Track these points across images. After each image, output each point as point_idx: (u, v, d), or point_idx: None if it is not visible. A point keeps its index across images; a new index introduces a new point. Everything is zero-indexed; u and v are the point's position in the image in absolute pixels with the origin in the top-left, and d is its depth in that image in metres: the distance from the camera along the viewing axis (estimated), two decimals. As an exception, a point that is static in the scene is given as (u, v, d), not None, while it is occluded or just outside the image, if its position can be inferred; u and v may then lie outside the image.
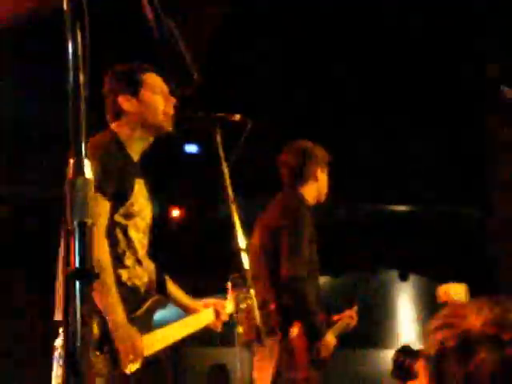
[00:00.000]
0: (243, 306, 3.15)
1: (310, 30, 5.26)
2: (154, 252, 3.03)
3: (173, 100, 3.01)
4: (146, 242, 2.96)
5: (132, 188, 2.87)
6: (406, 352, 4.90)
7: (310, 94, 5.59)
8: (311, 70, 5.46)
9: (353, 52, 5.47)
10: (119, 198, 2.81)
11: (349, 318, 4.35)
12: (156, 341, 2.84)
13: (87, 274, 1.15)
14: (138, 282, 2.85)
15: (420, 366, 4.26)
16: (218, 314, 3.17)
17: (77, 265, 1.15)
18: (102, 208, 2.70)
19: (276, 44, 5.24)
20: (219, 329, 3.19)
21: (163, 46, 1.27)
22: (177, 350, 7.38)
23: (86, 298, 1.14)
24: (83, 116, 1.19)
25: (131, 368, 2.67)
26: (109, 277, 2.66)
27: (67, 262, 1.16)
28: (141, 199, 2.92)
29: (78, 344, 1.13)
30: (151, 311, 2.86)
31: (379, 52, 5.50)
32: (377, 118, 5.98)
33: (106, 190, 2.72)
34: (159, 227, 3.06)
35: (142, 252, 2.91)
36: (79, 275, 1.15)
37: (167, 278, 3.13)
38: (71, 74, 1.17)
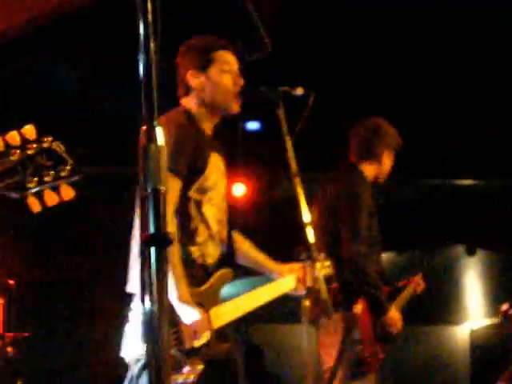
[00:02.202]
0: (321, 274, 3.14)
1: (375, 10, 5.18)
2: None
3: (241, 81, 3.01)
4: (221, 215, 2.95)
5: (206, 163, 2.87)
6: None
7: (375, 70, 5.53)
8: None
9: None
10: (192, 173, 2.82)
11: (414, 284, 4.32)
12: (225, 313, 2.85)
13: (162, 239, 1.17)
14: (209, 260, 2.87)
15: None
16: (300, 279, 3.16)
17: (151, 231, 1.17)
18: (172, 186, 2.72)
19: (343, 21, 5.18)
20: (302, 293, 3.17)
21: (236, 11, 1.28)
22: (242, 328, 7.48)
23: (161, 262, 1.15)
24: (154, 83, 1.20)
25: (197, 343, 2.69)
26: (173, 255, 2.67)
27: (143, 228, 1.18)
28: (215, 173, 2.92)
29: (155, 309, 1.15)
30: (218, 284, 2.87)
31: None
32: (443, 97, 5.89)
33: (178, 168, 2.74)
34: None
35: (215, 226, 2.93)
36: (154, 241, 1.16)
37: (248, 243, 3.13)
38: (142, 43, 1.18)
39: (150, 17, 1.20)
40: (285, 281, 3.15)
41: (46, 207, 1.70)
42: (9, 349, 3.87)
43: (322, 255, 3.20)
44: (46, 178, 1.70)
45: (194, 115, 2.96)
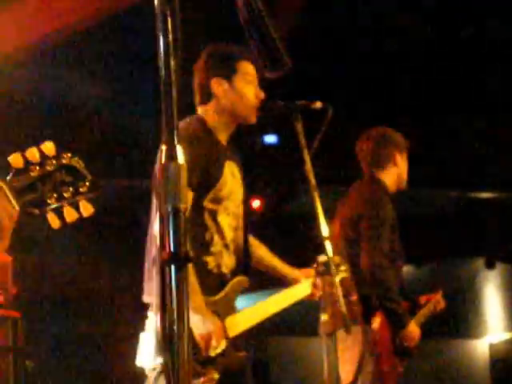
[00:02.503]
0: (337, 279, 3.13)
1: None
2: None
3: (262, 94, 3.01)
4: (236, 222, 2.95)
5: (220, 173, 2.87)
6: None
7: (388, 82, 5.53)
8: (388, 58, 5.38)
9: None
10: (206, 184, 2.82)
11: (435, 302, 4.28)
12: (241, 321, 2.84)
13: (182, 258, 1.17)
14: (224, 270, 2.87)
15: None
16: (315, 285, 3.15)
17: (171, 249, 1.17)
18: None
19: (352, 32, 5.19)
20: (317, 298, 3.16)
21: (254, 28, 1.28)
22: (260, 339, 7.46)
23: (182, 281, 1.15)
24: (175, 102, 1.20)
25: (213, 352, 2.69)
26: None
27: (162, 247, 1.18)
28: (230, 182, 2.92)
29: (175, 327, 1.15)
30: (233, 293, 2.87)
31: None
32: (459, 105, 5.87)
33: (190, 179, 2.73)
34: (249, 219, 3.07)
35: (230, 235, 2.93)
36: (174, 260, 1.16)
37: (263, 248, 3.13)
38: (162, 60, 1.18)
39: (170, 35, 1.21)
40: (300, 286, 3.14)
41: (65, 224, 1.71)
42: (28, 362, 3.89)
43: (338, 258, 3.18)
44: (66, 194, 1.71)
45: (210, 124, 2.95)
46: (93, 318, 6.34)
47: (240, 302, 2.95)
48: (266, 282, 3.20)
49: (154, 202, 2.76)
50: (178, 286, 1.17)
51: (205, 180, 2.81)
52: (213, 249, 2.84)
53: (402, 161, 4.18)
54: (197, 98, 3.02)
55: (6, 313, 3.94)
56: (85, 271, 6.36)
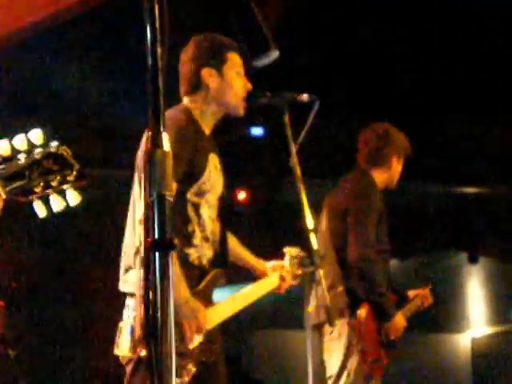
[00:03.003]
0: (298, 272, 3.17)
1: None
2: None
3: (249, 85, 3.01)
4: (214, 213, 2.94)
5: (204, 166, 2.87)
6: None
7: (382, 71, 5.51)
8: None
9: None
10: (191, 177, 2.82)
11: (422, 297, 4.31)
12: (217, 314, 2.85)
13: (166, 245, 1.17)
14: (204, 261, 2.87)
15: None
16: (283, 278, 3.18)
17: (156, 236, 1.17)
18: None
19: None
20: (283, 292, 3.19)
21: (241, 16, 1.27)
22: (243, 332, 7.47)
23: (166, 268, 1.15)
24: (161, 89, 1.20)
25: (191, 344, 2.69)
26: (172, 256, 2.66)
27: (146, 234, 1.18)
28: (213, 175, 2.92)
29: (158, 314, 1.15)
30: (212, 285, 2.87)
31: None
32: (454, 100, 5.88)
33: (176, 171, 2.72)
34: (225, 210, 3.06)
35: (210, 227, 2.93)
36: (159, 246, 1.16)
37: (235, 240, 3.13)
38: (149, 47, 1.18)
39: (157, 22, 1.20)
40: (268, 280, 3.16)
41: (52, 212, 1.70)
42: (10, 351, 3.88)
43: (295, 250, 3.21)
44: (53, 183, 1.70)
45: (196, 115, 2.93)
46: (71, 306, 6.33)
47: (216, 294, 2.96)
48: (235, 275, 3.21)
49: (136, 189, 2.74)
50: (162, 273, 1.17)
51: (190, 172, 2.80)
52: (194, 241, 2.84)
53: (397, 164, 4.18)
54: (183, 88, 2.99)
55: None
56: (65, 259, 6.35)
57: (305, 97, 3.15)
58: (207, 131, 2.96)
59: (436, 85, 5.69)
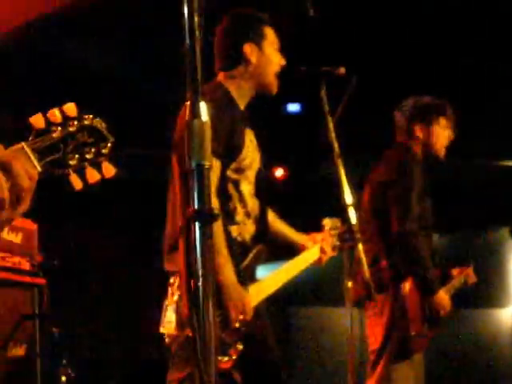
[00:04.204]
0: (337, 243, 3.16)
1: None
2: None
3: (284, 61, 2.98)
4: (253, 189, 2.95)
5: (243, 143, 2.86)
6: None
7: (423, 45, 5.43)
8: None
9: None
10: (230, 154, 2.81)
11: (465, 275, 4.26)
12: (261, 290, 2.85)
13: (207, 214, 1.16)
14: (247, 237, 2.87)
15: None
16: (322, 249, 3.17)
17: (196, 206, 1.16)
18: (212, 167, 2.70)
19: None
20: (323, 264, 3.18)
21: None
22: (284, 308, 7.49)
23: (207, 238, 1.15)
24: (199, 59, 1.19)
25: (238, 323, 2.70)
26: (219, 236, 2.66)
27: (186, 205, 1.17)
28: (251, 151, 2.91)
29: (200, 283, 1.14)
30: (256, 261, 2.87)
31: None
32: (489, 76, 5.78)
33: (217, 148, 2.71)
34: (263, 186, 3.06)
35: (250, 202, 2.92)
36: (199, 216, 1.15)
37: (273, 214, 3.12)
38: (186, 16, 1.17)
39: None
40: (309, 252, 3.15)
41: (87, 185, 1.71)
42: (54, 329, 3.93)
43: (337, 221, 3.20)
44: (88, 155, 1.70)
45: (231, 91, 2.91)
46: (116, 286, 6.40)
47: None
48: (275, 252, 3.21)
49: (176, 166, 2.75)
50: (202, 244, 1.16)
51: (229, 149, 2.80)
52: (237, 218, 2.84)
53: (434, 130, 4.10)
54: (220, 63, 2.97)
55: (32, 280, 3.98)
56: (105, 240, 6.40)
57: (342, 70, 3.11)
58: (242, 107, 2.95)
59: (485, 58, 5.61)
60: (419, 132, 4.08)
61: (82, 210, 5.85)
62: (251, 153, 2.91)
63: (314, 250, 3.16)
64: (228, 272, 2.67)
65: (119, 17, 5.06)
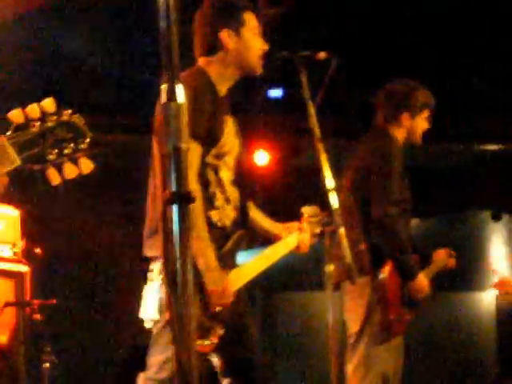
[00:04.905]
0: (317, 230, 3.18)
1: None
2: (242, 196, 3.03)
3: (266, 45, 2.99)
4: (232, 176, 2.96)
5: (223, 129, 2.87)
6: None
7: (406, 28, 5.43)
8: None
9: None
10: (210, 140, 2.81)
11: (445, 259, 4.29)
12: (241, 276, 2.87)
13: (184, 197, 1.16)
14: (227, 222, 2.88)
15: None
16: (301, 238, 3.18)
17: (173, 189, 1.16)
18: (193, 152, 2.71)
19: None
20: (305, 251, 3.20)
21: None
22: (267, 295, 7.51)
23: (183, 220, 1.15)
24: (176, 41, 1.19)
25: (218, 308, 2.71)
26: (200, 220, 2.68)
27: (163, 187, 1.17)
28: (230, 137, 2.92)
29: (178, 266, 1.15)
30: (236, 247, 2.89)
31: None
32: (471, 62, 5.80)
33: (198, 133, 2.72)
34: (244, 173, 3.06)
35: (230, 189, 2.93)
36: (176, 199, 1.16)
37: (250, 204, 3.13)
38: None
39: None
40: (286, 240, 3.16)
41: (65, 179, 1.72)
42: (36, 316, 3.93)
43: (315, 209, 3.21)
44: (66, 151, 1.72)
45: (211, 77, 2.91)
46: (98, 272, 6.39)
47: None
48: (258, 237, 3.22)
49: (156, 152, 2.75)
50: (180, 226, 1.17)
51: (209, 135, 2.80)
52: (216, 203, 2.85)
53: (419, 120, 4.12)
54: (199, 49, 2.98)
55: (15, 268, 3.98)
56: (88, 226, 6.38)
57: (322, 54, 3.11)
58: (222, 93, 2.95)
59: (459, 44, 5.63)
60: (406, 120, 4.09)
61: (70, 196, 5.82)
62: (231, 139, 2.92)
63: (291, 238, 3.16)
64: (208, 256, 2.68)
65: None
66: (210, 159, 2.83)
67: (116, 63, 5.49)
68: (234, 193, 2.94)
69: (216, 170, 2.86)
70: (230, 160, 2.92)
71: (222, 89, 2.95)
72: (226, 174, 2.90)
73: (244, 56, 2.93)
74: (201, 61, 2.97)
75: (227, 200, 2.89)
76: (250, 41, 2.94)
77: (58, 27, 5.15)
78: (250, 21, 2.96)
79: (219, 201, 2.86)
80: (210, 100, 2.83)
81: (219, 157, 2.86)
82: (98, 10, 5.05)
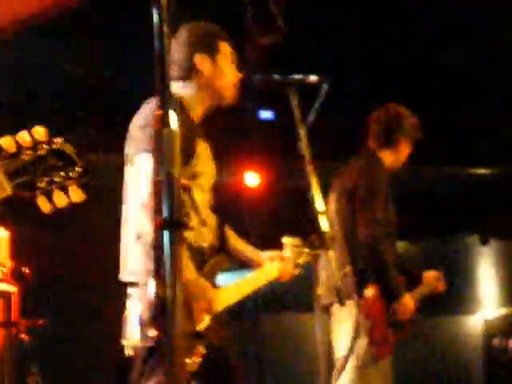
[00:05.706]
0: (299, 260, 3.18)
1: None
2: (230, 219, 3.04)
3: (240, 75, 3.02)
4: (209, 201, 2.96)
5: (193, 150, 2.87)
6: None
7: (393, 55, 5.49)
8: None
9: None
10: (182, 160, 2.81)
11: (434, 283, 4.30)
12: (224, 298, 2.86)
13: (177, 223, 1.17)
14: (203, 244, 2.87)
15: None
16: (282, 268, 3.18)
17: (165, 215, 1.17)
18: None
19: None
20: (284, 280, 3.19)
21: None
22: (253, 317, 7.49)
23: (175, 246, 1.16)
24: (169, 70, 1.20)
25: (201, 326, 2.71)
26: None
27: (157, 212, 1.18)
28: (204, 160, 2.92)
29: (168, 294, 1.15)
30: (214, 271, 2.88)
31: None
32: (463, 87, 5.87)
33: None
34: (234, 194, 3.07)
35: (205, 212, 2.93)
36: (169, 225, 1.16)
37: (230, 231, 3.12)
38: (157, 28, 1.18)
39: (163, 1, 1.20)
40: (267, 268, 3.14)
41: (55, 208, 1.72)
42: (23, 336, 3.91)
43: (297, 240, 3.21)
44: (56, 179, 1.73)
45: (185, 101, 2.93)
46: (85, 290, 6.36)
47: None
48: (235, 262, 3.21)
49: (129, 176, 2.77)
50: (172, 253, 1.17)
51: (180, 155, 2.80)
52: (190, 223, 2.84)
53: (406, 148, 4.17)
54: (174, 74, 2.97)
55: (3, 286, 3.96)
56: (77, 242, 6.37)
57: (313, 79, 3.14)
58: (196, 119, 2.96)
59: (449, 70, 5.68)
60: (398, 144, 4.14)
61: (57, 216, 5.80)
62: (204, 161, 2.93)
63: (272, 266, 3.16)
64: (189, 270, 2.68)
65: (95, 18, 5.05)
66: (181, 180, 2.82)
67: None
68: (210, 216, 2.94)
69: (189, 192, 2.86)
70: (204, 182, 2.92)
71: (196, 114, 2.96)
72: (200, 196, 2.90)
73: (217, 83, 2.96)
74: (174, 85, 2.99)
75: (203, 222, 2.89)
76: (224, 68, 2.98)
77: (47, 45, 5.17)
78: (225, 49, 3.00)
79: (193, 221, 2.85)
80: (181, 122, 2.83)
81: (191, 178, 2.86)
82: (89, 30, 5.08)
